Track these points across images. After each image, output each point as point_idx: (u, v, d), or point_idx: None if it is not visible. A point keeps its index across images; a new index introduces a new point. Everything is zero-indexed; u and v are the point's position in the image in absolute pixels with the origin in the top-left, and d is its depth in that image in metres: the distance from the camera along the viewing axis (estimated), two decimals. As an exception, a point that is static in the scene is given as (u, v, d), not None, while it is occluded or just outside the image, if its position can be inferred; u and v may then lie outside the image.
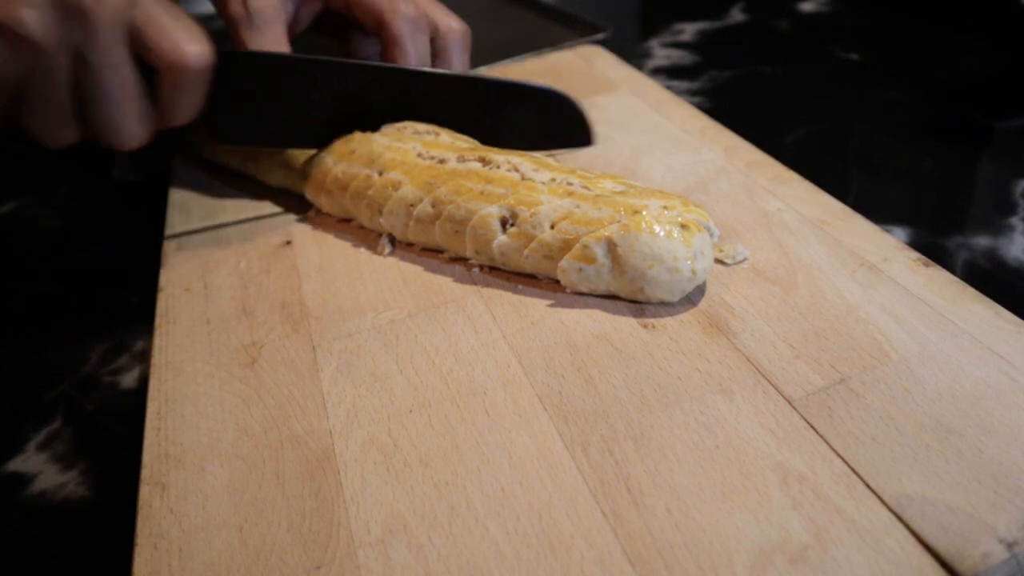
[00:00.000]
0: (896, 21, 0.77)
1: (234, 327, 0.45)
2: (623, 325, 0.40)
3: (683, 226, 0.39)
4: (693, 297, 0.41)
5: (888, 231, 0.44)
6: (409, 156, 0.48)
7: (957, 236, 0.48)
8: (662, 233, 0.39)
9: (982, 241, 0.47)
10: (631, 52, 0.77)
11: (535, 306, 0.42)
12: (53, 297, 0.58)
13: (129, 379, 0.47)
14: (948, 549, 0.27)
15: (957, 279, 0.39)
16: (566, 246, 0.41)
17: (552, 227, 0.42)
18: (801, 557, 0.28)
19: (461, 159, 0.47)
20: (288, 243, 0.52)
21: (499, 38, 0.84)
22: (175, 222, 0.57)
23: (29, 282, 0.60)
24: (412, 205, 0.46)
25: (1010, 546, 0.27)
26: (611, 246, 0.40)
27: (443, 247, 0.46)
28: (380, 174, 0.48)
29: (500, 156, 0.46)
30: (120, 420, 0.44)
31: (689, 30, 0.82)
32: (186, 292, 0.49)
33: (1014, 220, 0.49)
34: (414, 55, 0.55)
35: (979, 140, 0.57)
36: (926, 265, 0.40)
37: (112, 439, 0.43)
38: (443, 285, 0.45)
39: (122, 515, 0.37)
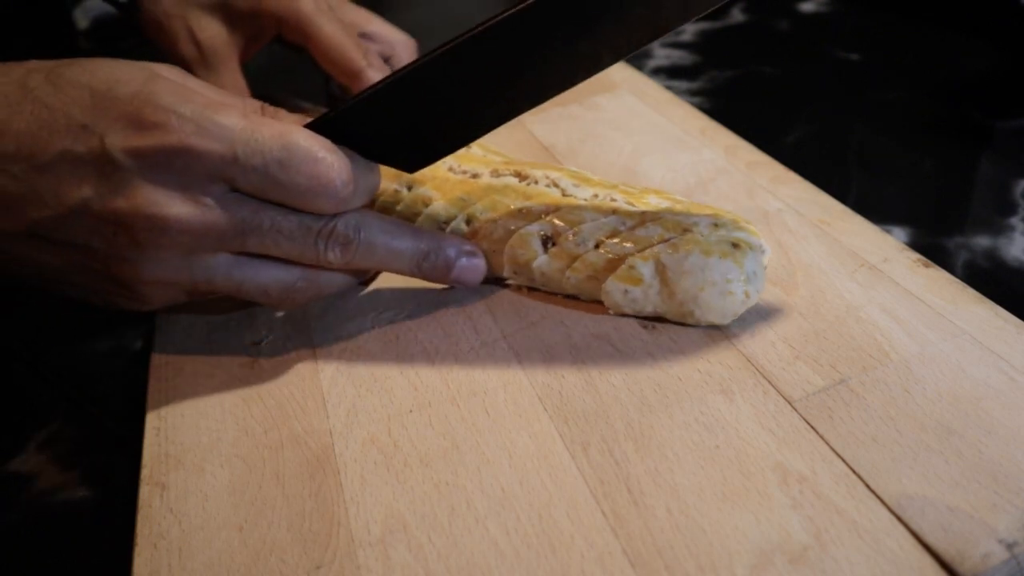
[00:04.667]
0: (896, 21, 0.77)
1: (234, 327, 0.45)
2: (623, 325, 0.40)
3: (735, 245, 0.37)
4: (693, 297, 0.41)
5: (888, 231, 0.44)
6: (439, 170, 0.46)
7: (957, 236, 0.48)
8: (715, 253, 0.37)
9: (982, 241, 0.47)
10: (631, 52, 0.77)
11: (535, 306, 0.42)
12: (53, 297, 0.58)
13: (129, 379, 0.47)
14: (948, 550, 0.27)
15: (957, 279, 0.39)
16: (611, 266, 0.39)
17: (596, 246, 0.39)
18: (801, 557, 0.28)
19: (495, 173, 0.44)
20: (288, 243, 0.51)
21: (499, 38, 0.84)
22: (175, 222, 0.57)
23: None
24: (445, 222, 0.44)
25: (1010, 547, 0.27)
26: (659, 267, 0.37)
27: None
28: (409, 188, 0.46)
29: (538, 171, 0.44)
30: (120, 420, 0.44)
31: (689, 30, 0.82)
32: (186, 292, 0.48)
33: (1014, 220, 0.49)
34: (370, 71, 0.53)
35: (979, 140, 0.57)
36: (926, 266, 0.40)
37: (112, 439, 0.43)
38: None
39: (122, 515, 0.37)
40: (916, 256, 0.41)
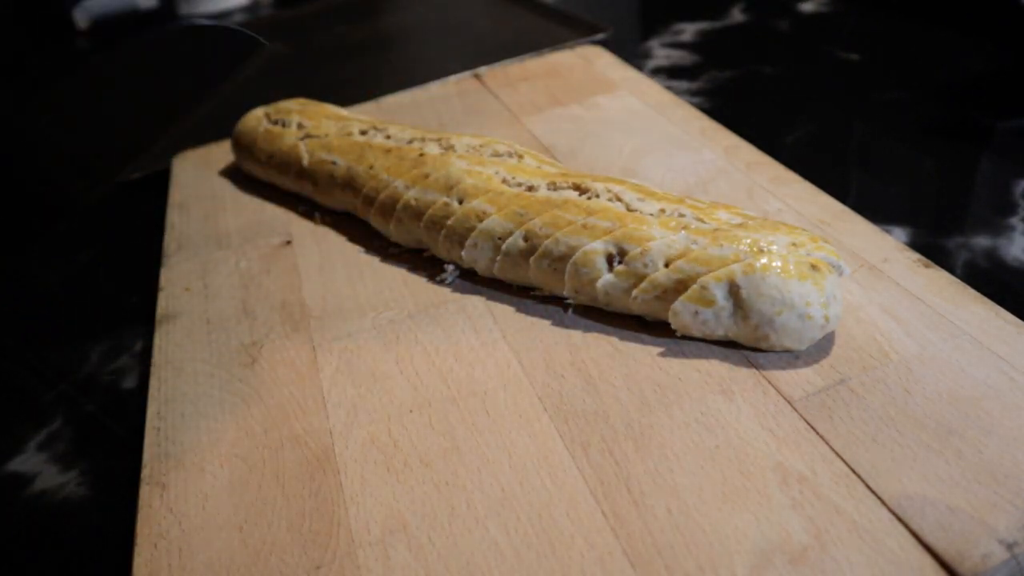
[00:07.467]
0: (896, 21, 0.77)
1: (234, 327, 0.45)
2: (623, 325, 0.40)
3: (814, 267, 0.36)
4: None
5: (888, 231, 0.44)
6: (493, 182, 0.43)
7: (957, 236, 0.48)
8: (794, 275, 0.35)
9: (982, 241, 0.47)
10: (631, 52, 0.77)
11: (535, 306, 0.42)
12: (53, 297, 0.58)
13: (129, 379, 0.47)
14: (948, 550, 0.27)
15: (957, 280, 0.39)
16: (681, 287, 0.37)
17: (666, 265, 0.37)
18: (801, 557, 0.28)
19: (552, 186, 0.42)
20: (288, 243, 0.52)
21: (499, 38, 0.84)
22: (175, 222, 0.57)
23: (29, 282, 0.61)
24: (500, 238, 0.42)
25: (1010, 547, 0.27)
26: (733, 288, 0.36)
27: (536, 284, 0.42)
28: (460, 202, 0.44)
29: (599, 184, 0.42)
30: (120, 420, 0.44)
31: (689, 30, 0.82)
32: (186, 292, 0.49)
33: (1014, 220, 0.49)
34: None
35: (979, 140, 0.57)
36: (926, 266, 0.40)
37: (112, 439, 0.43)
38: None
39: (122, 515, 0.37)
40: (916, 256, 0.41)
